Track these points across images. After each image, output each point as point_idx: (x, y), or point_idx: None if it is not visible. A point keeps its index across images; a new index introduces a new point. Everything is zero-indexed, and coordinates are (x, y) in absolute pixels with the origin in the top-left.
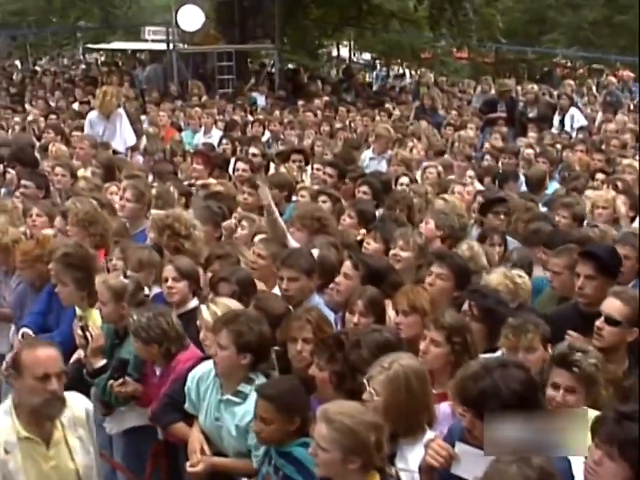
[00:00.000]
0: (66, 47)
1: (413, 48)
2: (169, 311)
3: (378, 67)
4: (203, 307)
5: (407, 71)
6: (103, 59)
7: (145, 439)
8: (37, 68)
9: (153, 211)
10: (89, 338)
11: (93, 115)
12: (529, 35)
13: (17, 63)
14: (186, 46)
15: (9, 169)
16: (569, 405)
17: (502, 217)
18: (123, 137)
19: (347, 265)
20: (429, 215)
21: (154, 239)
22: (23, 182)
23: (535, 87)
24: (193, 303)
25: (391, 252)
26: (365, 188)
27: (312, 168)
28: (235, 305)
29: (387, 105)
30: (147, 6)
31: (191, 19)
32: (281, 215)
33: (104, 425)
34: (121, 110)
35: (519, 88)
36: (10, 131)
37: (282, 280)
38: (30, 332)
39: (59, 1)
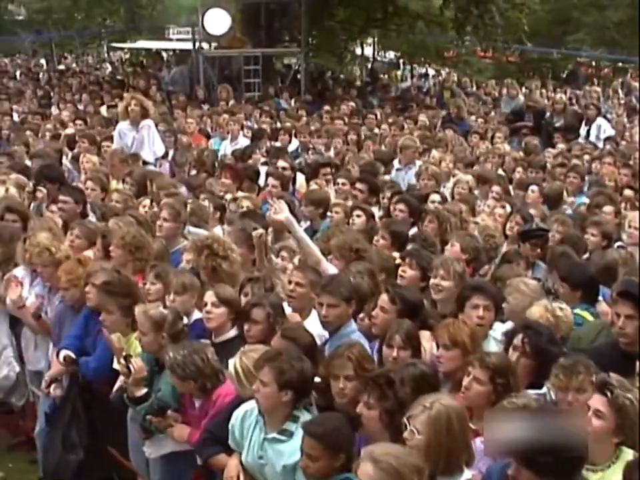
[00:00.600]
0: (90, 45)
1: (437, 47)
2: (204, 346)
3: (402, 65)
4: (231, 362)
5: (431, 70)
6: (127, 56)
7: (183, 464)
8: (62, 67)
9: (191, 228)
10: (132, 369)
11: (122, 125)
12: (553, 35)
13: (43, 61)
14: (212, 48)
15: (40, 187)
16: (594, 429)
17: (538, 250)
18: (152, 148)
19: (384, 299)
20: (454, 238)
21: (192, 260)
22: (60, 197)
23: (564, 96)
24: (232, 332)
25: (432, 282)
26: (401, 206)
27: (334, 183)
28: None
29: (414, 112)
30: (172, 6)
31: (217, 22)
32: (316, 232)
33: (143, 449)
34: (149, 121)
35: (544, 91)
36: (41, 137)
37: (321, 306)
38: (72, 355)
39: (84, 0)
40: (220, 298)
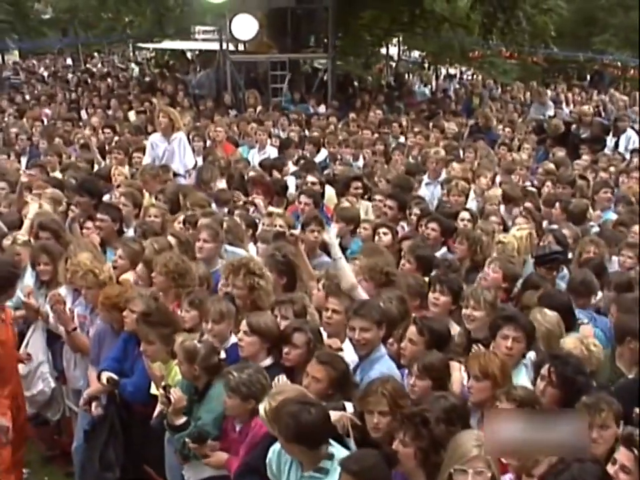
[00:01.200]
0: (116, 44)
1: (462, 48)
2: (261, 368)
3: (426, 65)
4: (261, 406)
5: (453, 70)
6: (152, 54)
7: None
8: (89, 66)
9: (228, 247)
10: (171, 399)
11: (154, 137)
12: (579, 36)
13: (69, 60)
14: (239, 53)
15: (73, 204)
16: None
17: (555, 273)
18: (182, 160)
19: (412, 331)
20: (496, 263)
21: (230, 279)
22: (98, 215)
23: (590, 108)
24: (268, 360)
25: (464, 311)
26: (433, 225)
27: (370, 199)
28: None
29: (440, 122)
30: (199, 7)
31: (245, 27)
32: (346, 249)
33: (182, 473)
34: (181, 133)
35: (570, 95)
36: (72, 146)
37: (353, 330)
38: (114, 376)
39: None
40: (252, 327)
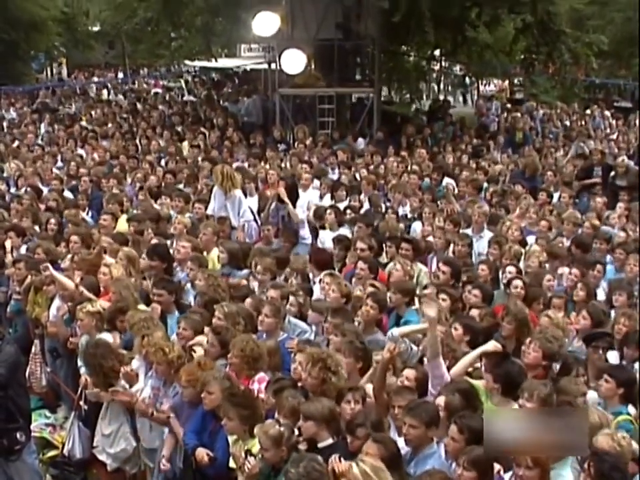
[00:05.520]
0: (162, 58)
1: (504, 67)
2: (316, 457)
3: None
4: (354, 464)
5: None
6: (197, 70)
7: None
8: (137, 87)
9: (292, 319)
10: (248, 464)
11: (217, 189)
12: (620, 56)
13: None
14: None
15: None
16: None
17: (600, 351)
18: (237, 217)
19: (453, 430)
20: (536, 343)
21: (307, 368)
22: (155, 291)
23: (626, 159)
24: (328, 441)
25: (519, 401)
26: (476, 292)
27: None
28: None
29: (484, 163)
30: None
31: (294, 62)
32: (400, 318)
33: None
34: (239, 192)
35: (608, 113)
36: (130, 184)
37: (404, 424)
38: (211, 454)
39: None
40: (305, 415)
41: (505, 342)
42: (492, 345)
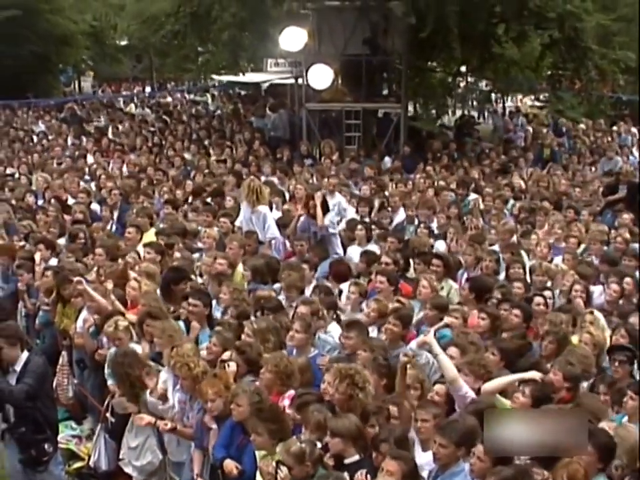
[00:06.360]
0: (189, 72)
1: (530, 84)
2: (342, 475)
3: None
4: None
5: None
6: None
7: None
8: (164, 100)
9: (321, 335)
10: (280, 473)
11: (244, 204)
12: None
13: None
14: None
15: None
16: None
17: (627, 366)
18: (263, 232)
19: (479, 450)
20: (556, 365)
21: (335, 383)
22: (191, 301)
23: None
24: (355, 457)
25: None
26: (517, 312)
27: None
28: None
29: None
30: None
31: (321, 77)
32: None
33: None
34: (265, 208)
35: (635, 130)
36: (156, 198)
37: (434, 442)
38: (239, 466)
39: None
40: (333, 431)
41: (544, 361)
42: (533, 375)
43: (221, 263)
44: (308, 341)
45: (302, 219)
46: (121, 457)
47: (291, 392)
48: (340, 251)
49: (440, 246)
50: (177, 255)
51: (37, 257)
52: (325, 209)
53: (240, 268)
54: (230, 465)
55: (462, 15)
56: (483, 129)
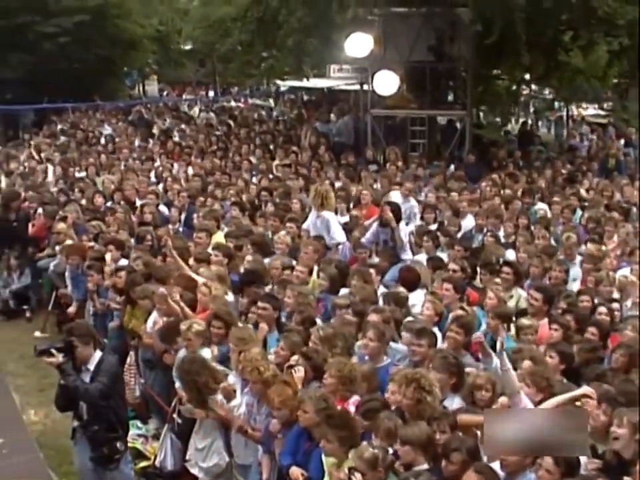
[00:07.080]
0: (252, 77)
1: (595, 92)
2: None
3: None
4: None
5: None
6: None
7: None
8: (228, 104)
9: (393, 344)
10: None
11: (313, 209)
12: None
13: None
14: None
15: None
16: None
17: None
18: (329, 237)
19: (548, 462)
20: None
21: (402, 389)
22: (261, 304)
23: None
24: (424, 466)
25: (611, 429)
26: (593, 329)
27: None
28: None
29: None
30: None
31: (386, 83)
32: (495, 342)
33: None
34: (330, 214)
35: None
36: (223, 201)
37: None
38: (305, 473)
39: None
40: (403, 440)
41: (613, 373)
42: (585, 391)
43: (301, 271)
44: (381, 349)
45: (374, 226)
46: (187, 457)
47: (356, 398)
48: (409, 256)
49: (510, 255)
50: (249, 257)
51: (108, 257)
52: (398, 219)
53: (314, 275)
54: (296, 472)
55: (529, 21)
56: (544, 137)
